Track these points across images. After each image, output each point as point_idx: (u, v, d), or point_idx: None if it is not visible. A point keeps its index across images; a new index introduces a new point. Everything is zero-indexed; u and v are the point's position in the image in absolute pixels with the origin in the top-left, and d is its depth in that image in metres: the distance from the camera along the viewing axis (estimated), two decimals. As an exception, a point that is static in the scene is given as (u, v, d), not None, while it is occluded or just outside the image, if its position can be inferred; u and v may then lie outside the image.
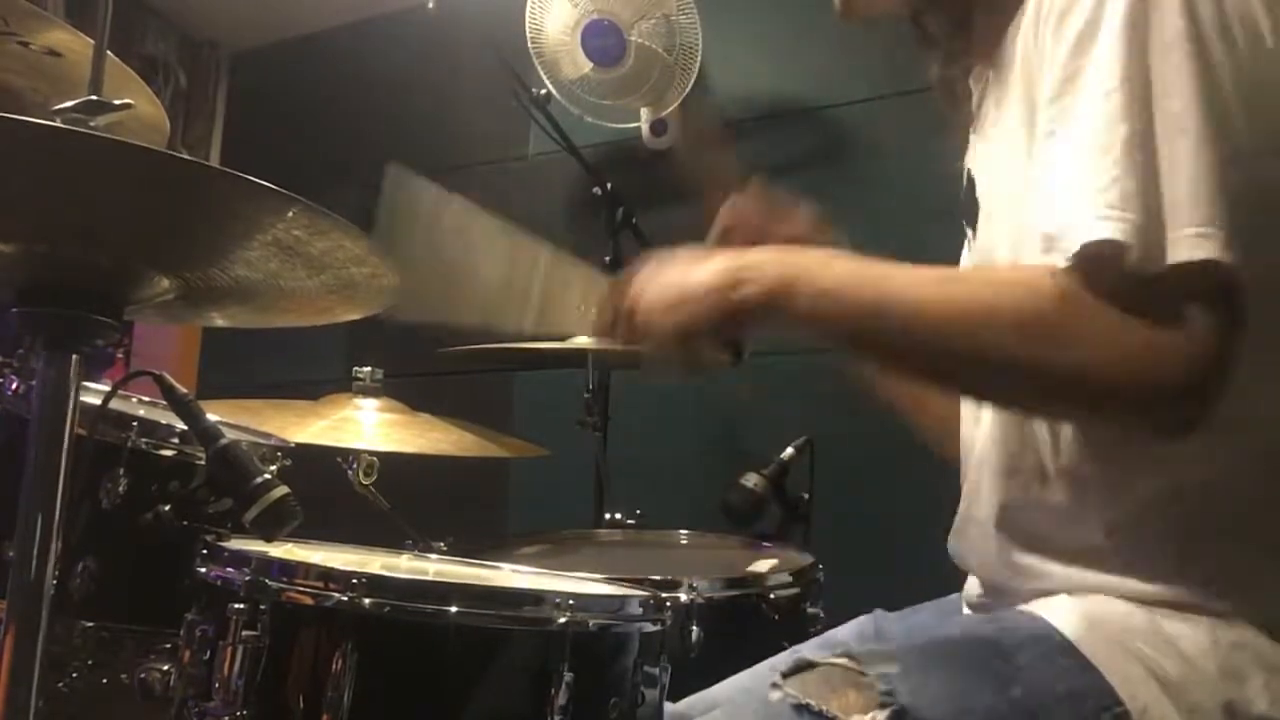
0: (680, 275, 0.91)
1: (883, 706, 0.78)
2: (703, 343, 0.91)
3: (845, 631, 1.13)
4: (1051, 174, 0.80)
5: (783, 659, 0.89)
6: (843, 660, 0.85)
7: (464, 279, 1.10)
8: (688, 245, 0.97)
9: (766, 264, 0.88)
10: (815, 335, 0.92)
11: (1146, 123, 0.76)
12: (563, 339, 1.07)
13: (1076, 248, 0.75)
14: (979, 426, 0.99)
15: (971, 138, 1.07)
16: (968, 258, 1.09)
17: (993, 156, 1.00)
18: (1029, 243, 0.88)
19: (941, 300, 0.81)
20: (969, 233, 1.07)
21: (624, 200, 2.26)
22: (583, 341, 1.95)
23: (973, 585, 1.03)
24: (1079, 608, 0.86)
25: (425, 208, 1.08)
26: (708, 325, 0.89)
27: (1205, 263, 0.72)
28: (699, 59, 2.37)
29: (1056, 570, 0.89)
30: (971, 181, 1.05)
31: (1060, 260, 0.76)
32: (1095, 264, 0.75)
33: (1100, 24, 0.79)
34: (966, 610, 1.04)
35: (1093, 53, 0.79)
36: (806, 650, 0.93)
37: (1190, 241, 0.73)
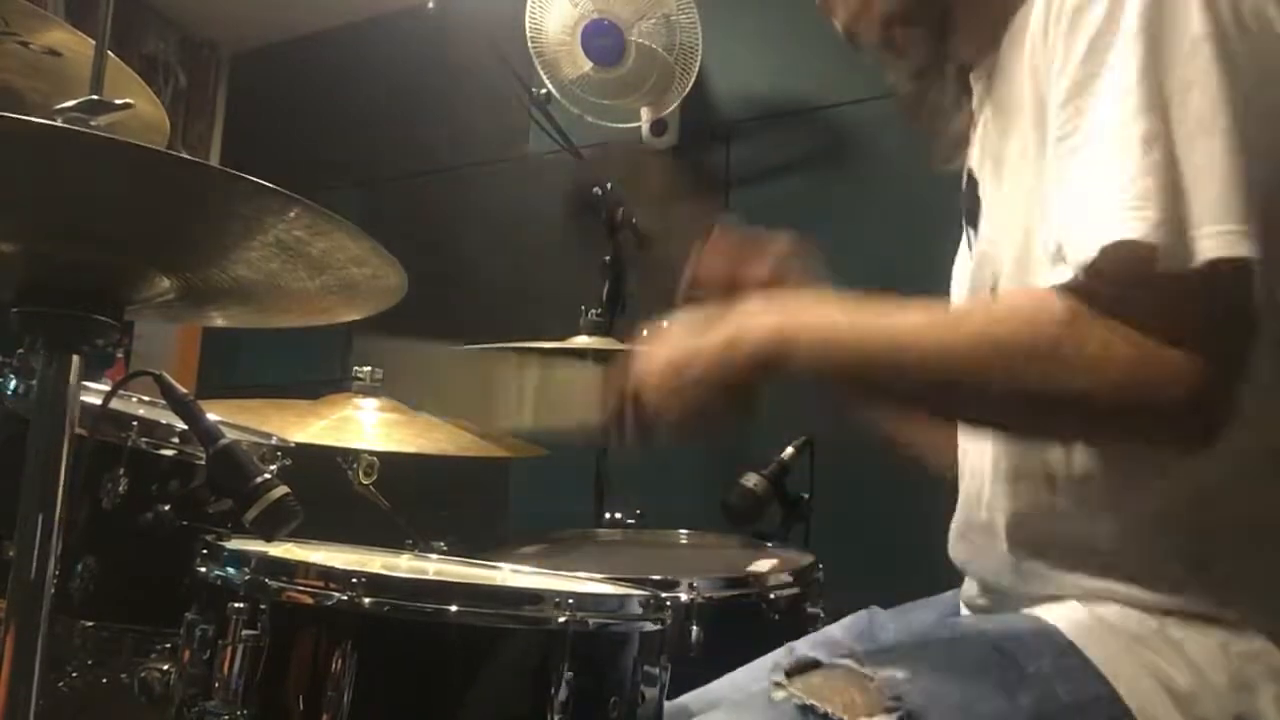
0: (676, 348, 0.89)
1: (889, 711, 0.78)
2: (716, 408, 0.89)
3: (840, 628, 1.13)
4: (1068, 179, 0.79)
5: (783, 656, 0.89)
6: (848, 661, 0.84)
7: (467, 397, 1.15)
8: (673, 313, 0.94)
9: (761, 318, 0.86)
10: (822, 384, 0.91)
11: (1165, 123, 0.74)
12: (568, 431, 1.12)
13: (1096, 251, 0.73)
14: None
15: (972, 136, 1.06)
16: (967, 259, 1.08)
17: (995, 164, 0.99)
18: (1040, 248, 0.87)
19: (945, 339, 0.80)
20: (969, 233, 1.07)
21: (624, 200, 2.26)
22: (583, 341, 1.95)
23: (972, 587, 1.03)
24: (1088, 615, 0.85)
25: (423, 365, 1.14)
26: (715, 390, 0.87)
27: (1237, 260, 0.71)
28: (699, 59, 2.37)
29: (1064, 576, 0.88)
30: (973, 182, 1.04)
31: (1079, 265, 0.75)
32: (1118, 266, 0.73)
33: (1116, 27, 0.78)
34: (965, 610, 1.04)
35: (1108, 57, 0.78)
36: (803, 647, 0.93)
37: (1222, 240, 0.71)
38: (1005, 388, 0.77)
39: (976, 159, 1.04)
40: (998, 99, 0.99)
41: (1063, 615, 0.86)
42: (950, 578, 1.06)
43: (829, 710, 0.79)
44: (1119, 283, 0.74)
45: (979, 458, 0.98)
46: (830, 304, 0.88)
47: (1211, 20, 0.76)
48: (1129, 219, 0.73)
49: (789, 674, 0.84)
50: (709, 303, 1.13)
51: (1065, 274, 0.76)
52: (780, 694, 0.82)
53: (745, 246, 1.17)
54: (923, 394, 0.83)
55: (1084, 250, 0.74)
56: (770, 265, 1.16)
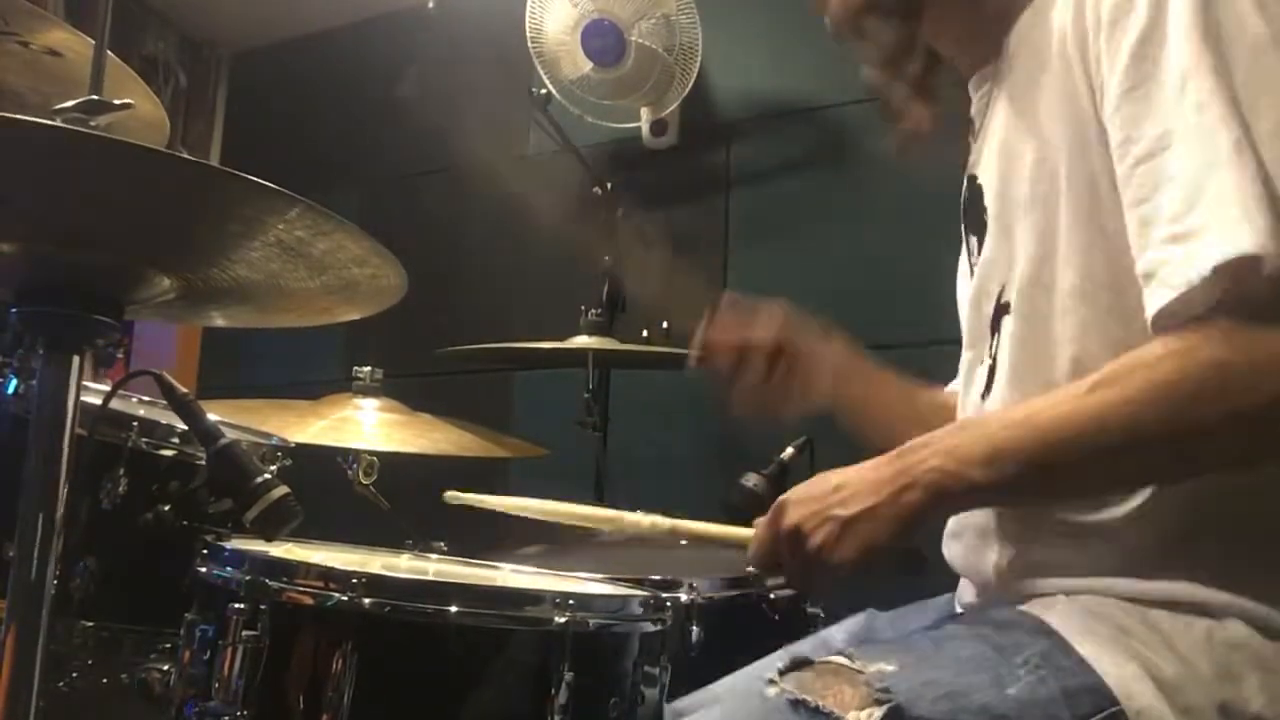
0: (835, 501, 0.87)
1: (879, 704, 0.78)
2: (882, 559, 0.87)
3: (838, 631, 1.13)
4: (1154, 197, 0.78)
5: (778, 657, 0.89)
6: (839, 658, 0.85)
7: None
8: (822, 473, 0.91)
9: (920, 461, 0.84)
10: (998, 503, 0.91)
11: (1247, 129, 0.74)
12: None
13: (1212, 265, 0.73)
14: None
15: (975, 145, 1.06)
16: (967, 268, 1.08)
17: (1006, 172, 0.98)
18: (1061, 259, 0.88)
19: (1107, 404, 0.78)
20: (971, 242, 1.06)
21: (624, 200, 2.26)
22: (582, 341, 1.95)
23: (966, 587, 1.03)
24: (1076, 607, 0.86)
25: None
26: (886, 543, 0.85)
27: None
28: (699, 59, 2.37)
29: (1055, 574, 0.89)
30: (976, 190, 1.04)
31: (1188, 283, 0.74)
32: (1235, 280, 0.73)
33: (1163, 28, 0.78)
34: (959, 611, 1.04)
35: (1161, 59, 0.77)
36: (801, 649, 0.93)
37: None
38: (1199, 424, 0.76)
39: (981, 167, 1.03)
40: (1005, 108, 0.98)
41: (1051, 609, 0.87)
42: (946, 578, 1.06)
43: (820, 704, 0.79)
44: (1238, 296, 0.73)
45: None
46: (974, 425, 0.87)
47: (1269, 23, 0.76)
48: (1241, 231, 0.73)
49: (782, 671, 0.84)
50: (719, 368, 1.19)
51: (1165, 295, 0.76)
52: (773, 690, 0.83)
53: (749, 313, 1.20)
54: (1116, 465, 0.81)
55: (1194, 268, 0.74)
56: (774, 328, 1.19)
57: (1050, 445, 0.81)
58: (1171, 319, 0.77)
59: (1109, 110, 0.82)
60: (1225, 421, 0.75)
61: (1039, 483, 0.84)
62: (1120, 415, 0.77)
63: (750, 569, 0.93)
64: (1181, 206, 0.76)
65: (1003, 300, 0.97)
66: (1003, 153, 0.99)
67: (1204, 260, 0.74)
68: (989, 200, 1.01)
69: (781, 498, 0.90)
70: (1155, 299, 0.77)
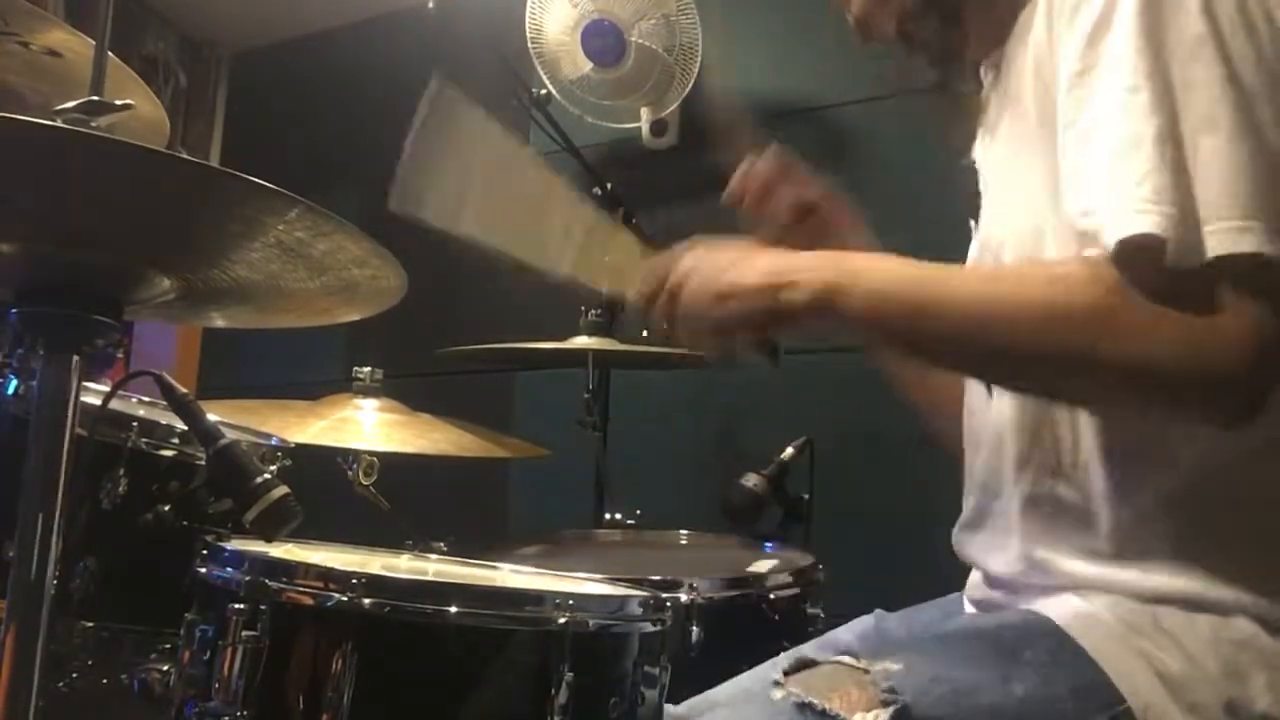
0: (728, 267, 0.90)
1: (885, 704, 0.78)
2: (741, 339, 0.90)
3: (846, 632, 1.13)
4: (1081, 169, 0.80)
5: (784, 659, 0.89)
6: (845, 658, 0.85)
7: (502, 205, 1.05)
8: (734, 236, 0.95)
9: (816, 267, 0.87)
10: (862, 337, 0.92)
11: (1173, 120, 0.75)
12: (595, 288, 1.08)
13: (1114, 243, 0.75)
14: (990, 418, 0.98)
15: (979, 131, 1.07)
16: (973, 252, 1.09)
17: (999, 152, 1.00)
18: (1051, 236, 0.88)
19: (994, 299, 0.81)
20: (974, 226, 1.07)
21: (624, 200, 2.26)
22: (582, 341, 1.95)
23: (976, 581, 1.03)
24: (1083, 605, 0.86)
25: (469, 129, 1.09)
26: (751, 323, 0.88)
27: (1250, 255, 0.72)
28: (699, 59, 2.37)
29: (1067, 566, 0.89)
30: (976, 175, 1.05)
31: (1099, 254, 0.76)
32: (1134, 258, 0.75)
33: (1114, 18, 0.79)
34: (969, 607, 1.04)
35: (1106, 45, 0.79)
36: (808, 650, 0.93)
37: (1230, 235, 0.73)
38: (1058, 348, 0.78)
39: (980, 151, 1.05)
40: (1003, 93, 0.99)
41: (1057, 607, 0.87)
42: (951, 577, 1.06)
43: (826, 706, 0.80)
44: (1142, 269, 0.74)
45: (994, 450, 0.98)
46: (882, 261, 0.89)
47: (1210, 22, 0.76)
48: (1144, 213, 0.74)
49: (787, 672, 0.85)
50: (744, 213, 1.17)
51: (1096, 255, 0.77)
52: (779, 693, 0.83)
53: (791, 171, 1.19)
54: (970, 350, 0.84)
55: (1107, 239, 0.76)
56: (817, 192, 1.19)
57: (931, 314, 0.83)
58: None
59: (1061, 94, 0.83)
60: (1083, 360, 0.77)
61: (903, 338, 0.88)
62: (1002, 313, 0.80)
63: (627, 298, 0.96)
64: (1103, 182, 0.77)
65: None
66: (995, 141, 1.01)
67: (1112, 234, 0.75)
68: (984, 186, 1.02)
69: (686, 255, 0.92)
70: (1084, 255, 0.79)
